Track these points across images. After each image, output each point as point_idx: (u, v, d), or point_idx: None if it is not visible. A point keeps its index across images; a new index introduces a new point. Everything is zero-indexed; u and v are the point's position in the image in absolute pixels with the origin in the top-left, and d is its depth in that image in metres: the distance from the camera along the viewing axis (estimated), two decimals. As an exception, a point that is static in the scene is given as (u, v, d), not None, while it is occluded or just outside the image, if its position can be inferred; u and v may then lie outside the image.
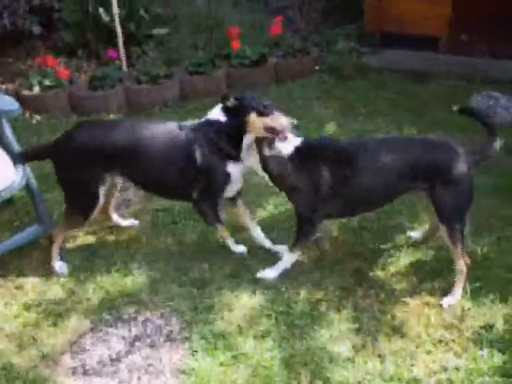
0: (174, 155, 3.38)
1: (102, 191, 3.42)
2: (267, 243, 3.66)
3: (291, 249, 3.42)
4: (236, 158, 3.38)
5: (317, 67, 6.31)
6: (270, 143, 3.24)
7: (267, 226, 3.79)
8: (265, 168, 3.32)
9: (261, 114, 3.25)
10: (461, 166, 3.16)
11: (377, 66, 6.33)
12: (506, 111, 5.44)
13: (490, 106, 5.46)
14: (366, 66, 6.33)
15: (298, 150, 3.27)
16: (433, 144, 3.35)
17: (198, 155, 3.33)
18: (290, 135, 3.24)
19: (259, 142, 3.28)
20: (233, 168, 3.39)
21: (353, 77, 6.15)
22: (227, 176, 3.40)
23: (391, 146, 3.34)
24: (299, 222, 3.38)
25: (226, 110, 3.32)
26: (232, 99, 3.30)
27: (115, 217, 3.93)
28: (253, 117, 3.25)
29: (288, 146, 3.26)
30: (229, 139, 3.33)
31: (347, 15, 7.30)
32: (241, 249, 3.64)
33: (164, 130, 3.48)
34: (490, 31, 6.31)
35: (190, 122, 3.50)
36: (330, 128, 5.18)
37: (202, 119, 3.44)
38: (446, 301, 3.26)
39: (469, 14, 6.31)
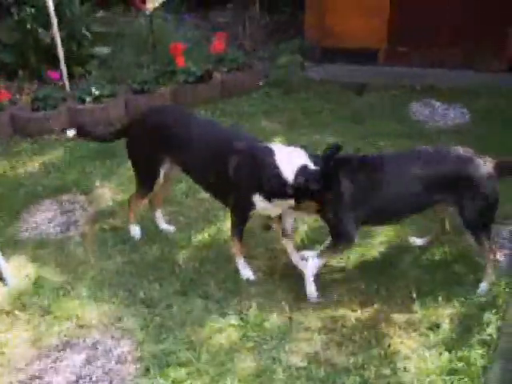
0: (214, 156, 3.46)
1: (162, 170, 3.67)
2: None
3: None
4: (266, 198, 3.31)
5: (261, 82, 6.39)
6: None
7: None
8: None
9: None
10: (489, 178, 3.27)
11: (320, 80, 6.48)
12: (444, 118, 5.67)
13: (429, 114, 5.71)
14: (309, 80, 6.46)
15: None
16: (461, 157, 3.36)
17: (230, 167, 3.35)
18: None
19: None
20: (260, 201, 3.34)
21: (297, 90, 6.26)
22: (250, 204, 3.37)
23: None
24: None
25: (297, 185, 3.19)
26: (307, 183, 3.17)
27: (158, 214, 4.05)
28: (312, 205, 3.26)
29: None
30: (276, 187, 3.24)
31: (290, 31, 7.46)
32: (247, 274, 3.56)
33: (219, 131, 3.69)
34: (425, 42, 6.57)
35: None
36: (277, 141, 5.24)
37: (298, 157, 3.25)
38: (482, 286, 3.41)
39: (405, 26, 6.56)
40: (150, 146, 3.66)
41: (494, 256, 3.46)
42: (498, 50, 6.45)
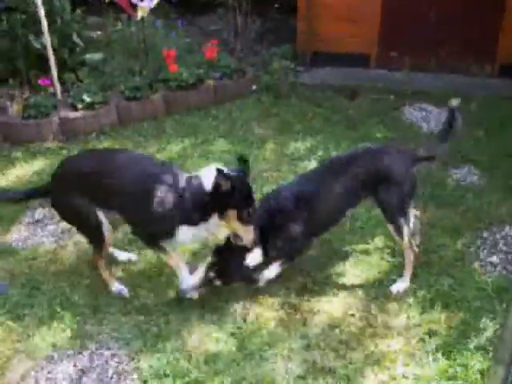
0: (137, 190, 3.21)
1: (100, 215, 3.34)
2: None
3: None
4: (192, 223, 3.19)
5: (254, 87, 6.38)
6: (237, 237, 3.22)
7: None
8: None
9: (240, 218, 3.12)
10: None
11: (311, 85, 6.48)
12: (437, 122, 5.68)
13: (422, 118, 5.73)
14: (301, 85, 6.46)
15: None
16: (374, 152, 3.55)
17: (154, 199, 3.14)
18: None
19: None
20: (184, 229, 3.20)
21: (289, 95, 6.25)
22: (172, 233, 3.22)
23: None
24: None
25: (216, 186, 3.07)
26: (226, 182, 3.03)
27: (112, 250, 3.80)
28: (231, 214, 3.11)
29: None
30: (197, 207, 3.14)
31: (280, 36, 7.46)
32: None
33: (141, 165, 3.35)
34: (417, 47, 6.60)
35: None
36: (270, 147, 5.25)
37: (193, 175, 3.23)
38: (395, 287, 3.45)
39: (396, 31, 6.60)
40: (77, 196, 3.30)
41: (413, 251, 3.50)
42: (489, 55, 6.49)
